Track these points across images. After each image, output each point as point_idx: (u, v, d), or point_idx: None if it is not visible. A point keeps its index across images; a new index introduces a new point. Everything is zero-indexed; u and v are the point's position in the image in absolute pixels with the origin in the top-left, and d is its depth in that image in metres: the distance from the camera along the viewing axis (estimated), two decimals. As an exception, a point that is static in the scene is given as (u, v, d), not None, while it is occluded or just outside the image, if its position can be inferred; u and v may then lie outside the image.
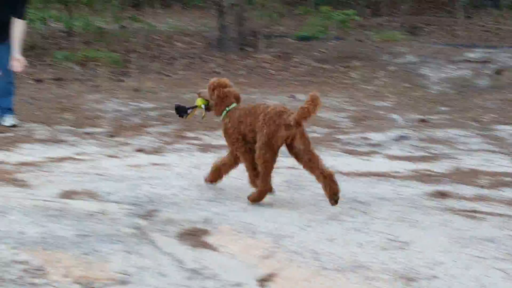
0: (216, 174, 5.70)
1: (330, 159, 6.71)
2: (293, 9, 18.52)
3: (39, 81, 11.10)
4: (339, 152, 7.22)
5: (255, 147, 5.28)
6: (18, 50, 7.91)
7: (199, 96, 5.92)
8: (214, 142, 7.44)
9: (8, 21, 7.84)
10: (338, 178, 5.15)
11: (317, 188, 5.27)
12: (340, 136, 7.98)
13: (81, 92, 10.32)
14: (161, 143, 7.45)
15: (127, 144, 7.38)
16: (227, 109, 5.62)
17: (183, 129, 8.05)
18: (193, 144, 7.38)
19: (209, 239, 4.53)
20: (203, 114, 5.95)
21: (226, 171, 5.68)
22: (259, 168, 5.27)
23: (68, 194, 5.39)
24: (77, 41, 13.61)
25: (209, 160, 6.62)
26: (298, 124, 5.08)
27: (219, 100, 5.64)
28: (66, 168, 6.28)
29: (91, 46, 13.35)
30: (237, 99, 5.70)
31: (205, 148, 7.17)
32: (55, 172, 6.12)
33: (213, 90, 5.70)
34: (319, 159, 5.19)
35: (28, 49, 12.92)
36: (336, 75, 12.19)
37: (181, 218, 4.88)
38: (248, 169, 5.46)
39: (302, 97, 9.93)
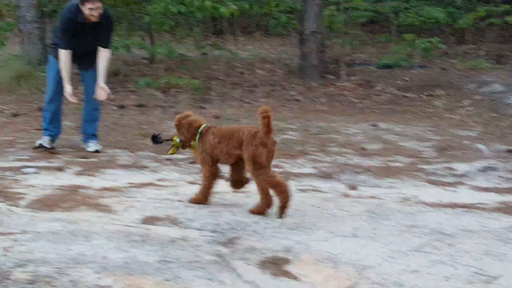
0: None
1: (413, 189, 6.60)
2: (375, 37, 18.43)
3: (122, 107, 11.25)
4: (423, 182, 7.08)
5: (250, 173, 5.74)
6: (102, 78, 8.03)
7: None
8: (295, 170, 7.39)
9: (93, 49, 7.99)
10: (421, 209, 5.06)
11: (401, 218, 5.18)
12: (424, 166, 7.82)
13: (163, 118, 10.40)
14: (242, 170, 7.43)
15: (208, 171, 7.38)
16: (199, 131, 6.02)
17: (264, 157, 8.01)
18: (273, 171, 7.33)
19: (291, 268, 4.48)
20: (173, 150, 6.36)
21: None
22: (260, 188, 5.66)
23: (150, 220, 5.41)
24: (159, 68, 13.77)
25: (291, 188, 6.58)
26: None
27: (186, 130, 6.06)
28: (148, 194, 6.31)
29: (173, 73, 13.49)
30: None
31: (286, 176, 7.11)
32: (137, 197, 6.15)
33: (178, 125, 6.13)
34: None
35: (112, 76, 13.14)
36: (419, 104, 12.03)
37: (262, 246, 4.84)
38: (206, 188, 5.94)
39: (384, 126, 9.85)
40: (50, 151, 8.07)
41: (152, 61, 14.91)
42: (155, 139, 6.56)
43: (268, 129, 5.71)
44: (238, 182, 6.14)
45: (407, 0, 16.64)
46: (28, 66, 12.02)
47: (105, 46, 8.07)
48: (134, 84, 12.53)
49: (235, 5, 11.61)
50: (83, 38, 7.95)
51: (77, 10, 7.75)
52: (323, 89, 12.94)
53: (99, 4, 7.74)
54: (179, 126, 6.14)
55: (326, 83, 13.35)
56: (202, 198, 5.99)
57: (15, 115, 10.50)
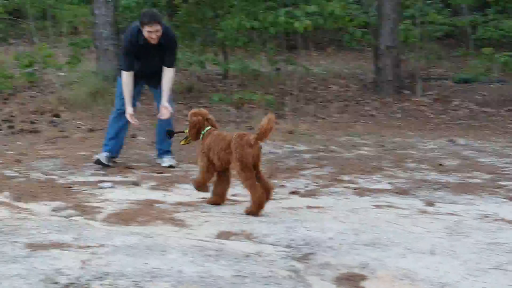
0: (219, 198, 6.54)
1: (493, 206, 6.46)
2: (451, 51, 18.21)
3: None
4: (503, 199, 6.90)
5: (237, 174, 6.18)
6: (166, 98, 8.08)
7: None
8: (371, 186, 7.31)
9: (160, 68, 8.05)
10: (502, 226, 4.94)
11: (480, 236, 5.06)
12: (504, 183, 7.62)
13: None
14: (316, 185, 7.38)
15: (282, 186, 7.36)
16: (202, 132, 6.61)
17: (339, 172, 7.95)
18: (348, 187, 7.27)
19: (367, 285, 4.42)
20: (185, 141, 6.94)
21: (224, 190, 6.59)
22: (245, 186, 6.14)
23: (224, 235, 5.40)
24: (233, 83, 13.82)
25: (366, 204, 6.51)
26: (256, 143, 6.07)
27: (191, 126, 6.63)
28: (222, 209, 6.31)
29: (246, 88, 13.53)
30: (212, 125, 6.67)
31: (361, 192, 7.04)
32: (212, 212, 6.16)
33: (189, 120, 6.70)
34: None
35: (185, 92, 13.29)
36: (498, 119, 11.82)
37: (337, 262, 4.79)
38: (203, 182, 6.52)
39: (462, 142, 9.69)
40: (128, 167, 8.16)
41: (225, 77, 15.00)
42: (169, 133, 7.52)
43: (262, 136, 6.06)
44: (219, 196, 6.56)
45: (485, 14, 16.38)
46: (103, 82, 12.20)
47: (169, 65, 8.12)
48: (208, 100, 12.62)
49: (309, 20, 11.58)
50: (148, 59, 8.04)
51: (138, 32, 7.84)
52: (398, 104, 12.82)
53: (157, 27, 7.77)
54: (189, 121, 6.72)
55: (401, 98, 13.23)
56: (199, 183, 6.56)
57: (91, 130, 10.67)
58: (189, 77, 14.25)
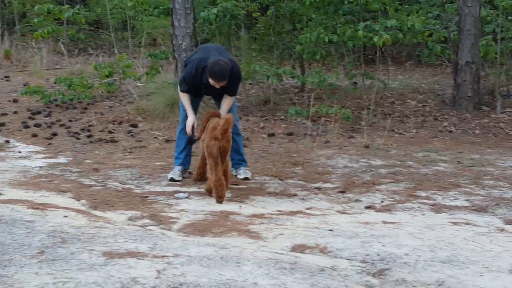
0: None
1: None
2: (532, 68, 17.89)
3: (271, 135, 11.35)
4: None
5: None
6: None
7: None
8: (448, 202, 7.21)
9: (222, 94, 8.15)
10: None
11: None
12: None
13: (311, 147, 10.41)
14: (391, 201, 7.32)
15: (357, 200, 7.33)
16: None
17: (415, 188, 7.87)
18: (425, 203, 7.19)
19: (443, 303, 4.36)
20: None
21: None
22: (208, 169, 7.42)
23: (299, 248, 5.40)
24: (309, 96, 13.81)
25: (443, 220, 6.43)
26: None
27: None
28: (297, 222, 6.31)
29: (323, 102, 13.51)
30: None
31: (438, 208, 6.95)
32: (287, 225, 6.16)
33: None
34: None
35: (262, 104, 13.34)
36: None
37: (413, 279, 4.74)
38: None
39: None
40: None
41: (302, 90, 15.00)
42: (191, 140, 8.20)
43: (224, 134, 7.23)
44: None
45: None
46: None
47: (232, 95, 8.16)
48: (284, 113, 12.64)
49: (388, 34, 11.51)
50: (209, 91, 8.14)
51: (203, 72, 7.85)
52: (477, 120, 12.63)
53: (223, 83, 7.81)
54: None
55: (480, 114, 13.03)
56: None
57: (167, 141, 10.78)
58: (266, 89, 14.30)
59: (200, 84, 7.95)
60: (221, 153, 7.29)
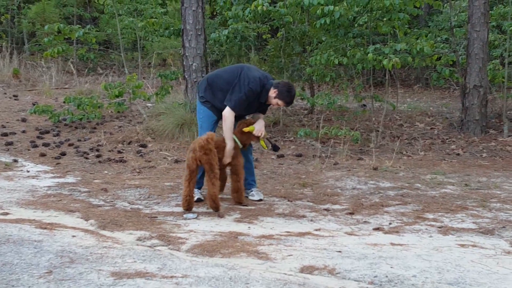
0: None
1: None
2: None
3: (281, 156, 11.39)
4: None
5: None
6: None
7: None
8: (455, 224, 7.22)
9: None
10: None
11: None
12: None
13: (320, 168, 10.44)
14: (399, 223, 7.33)
15: (365, 222, 7.34)
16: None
17: (423, 210, 7.89)
18: (432, 225, 7.19)
19: (451, 326, 4.37)
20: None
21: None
22: None
23: (308, 269, 5.41)
24: (319, 118, 13.87)
25: (450, 243, 6.44)
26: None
27: None
28: (305, 243, 6.32)
29: (332, 123, 13.57)
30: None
31: (445, 230, 6.96)
32: (295, 246, 6.18)
33: None
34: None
35: (272, 125, 13.39)
36: None
37: (421, 302, 4.75)
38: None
39: (550, 183, 9.50)
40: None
41: (311, 112, 15.06)
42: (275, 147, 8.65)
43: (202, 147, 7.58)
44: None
45: None
46: (191, 114, 12.39)
47: (264, 113, 8.52)
48: (293, 134, 12.68)
49: (397, 57, 11.57)
50: (251, 110, 8.23)
51: (263, 90, 7.96)
52: (484, 143, 12.65)
53: (287, 105, 8.18)
54: None
55: (487, 137, 13.06)
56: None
57: (177, 161, 10.83)
58: (276, 111, 14.35)
59: (254, 103, 8.07)
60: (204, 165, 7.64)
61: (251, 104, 8.04)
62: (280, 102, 7.97)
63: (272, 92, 7.92)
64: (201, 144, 7.51)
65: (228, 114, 7.94)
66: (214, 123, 8.27)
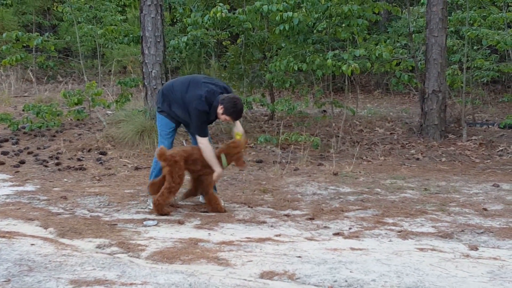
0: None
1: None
2: (497, 97, 18.16)
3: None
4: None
5: None
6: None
7: None
8: (414, 229, 7.27)
9: None
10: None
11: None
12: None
13: (281, 174, 10.47)
14: (359, 227, 7.36)
15: (325, 227, 7.36)
16: None
17: (383, 215, 7.93)
18: (392, 230, 7.24)
19: (409, 329, 4.39)
20: None
21: None
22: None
23: (268, 275, 5.42)
24: (279, 124, 13.90)
25: (409, 247, 6.49)
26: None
27: None
28: (266, 249, 6.33)
29: (292, 129, 13.61)
30: None
31: (405, 235, 7.00)
32: (255, 252, 6.18)
33: None
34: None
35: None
36: (546, 165, 11.71)
37: (380, 305, 4.78)
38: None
39: (507, 187, 9.61)
40: (172, 206, 8.26)
41: (271, 118, 15.09)
42: None
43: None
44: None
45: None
46: (151, 121, 12.36)
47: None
48: (254, 140, 12.69)
49: (357, 63, 11.64)
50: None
51: (213, 108, 7.94)
52: (443, 148, 12.78)
53: (236, 119, 8.17)
54: None
55: (447, 142, 13.19)
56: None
57: (137, 168, 10.78)
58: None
59: (206, 121, 8.08)
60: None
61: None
62: (227, 117, 7.96)
63: (219, 109, 7.90)
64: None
65: (203, 143, 7.97)
66: (172, 130, 8.28)
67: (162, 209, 7.80)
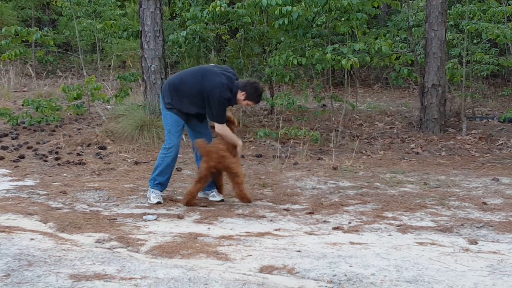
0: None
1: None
2: (497, 91, 18.15)
3: (241, 157, 11.37)
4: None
5: None
6: None
7: None
8: (414, 223, 7.27)
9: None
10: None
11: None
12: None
13: (280, 169, 10.46)
14: (359, 222, 7.36)
15: (325, 221, 7.36)
16: None
17: (382, 209, 7.93)
18: (391, 224, 7.23)
19: (409, 323, 4.39)
20: None
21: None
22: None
23: (267, 269, 5.41)
24: (278, 119, 13.89)
25: (409, 241, 6.49)
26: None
27: None
28: (265, 243, 6.33)
29: (292, 124, 13.60)
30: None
31: (404, 229, 7.00)
32: (255, 247, 6.18)
33: None
34: None
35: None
36: (544, 159, 11.70)
37: (379, 299, 4.78)
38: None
39: (507, 181, 9.61)
40: (172, 200, 8.27)
41: (271, 112, 15.08)
42: None
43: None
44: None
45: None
46: (150, 115, 12.35)
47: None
48: (253, 135, 12.68)
49: (356, 57, 11.63)
50: None
51: (233, 94, 7.98)
52: (443, 142, 12.77)
53: (257, 103, 8.33)
54: None
55: (446, 136, 13.18)
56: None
57: (136, 163, 10.78)
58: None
59: (226, 108, 8.13)
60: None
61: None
62: (250, 102, 8.08)
63: (241, 95, 7.94)
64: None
65: (220, 129, 8.03)
66: (181, 128, 8.26)
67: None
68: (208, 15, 12.73)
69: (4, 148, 11.65)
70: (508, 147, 12.48)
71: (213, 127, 8.17)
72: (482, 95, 17.52)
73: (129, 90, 14.36)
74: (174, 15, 18.55)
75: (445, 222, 7.31)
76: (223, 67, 8.32)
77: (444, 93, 13.62)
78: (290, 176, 9.92)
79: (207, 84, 7.91)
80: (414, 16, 17.23)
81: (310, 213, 7.74)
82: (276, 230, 6.91)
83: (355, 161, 11.15)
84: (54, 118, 13.38)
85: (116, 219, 7.27)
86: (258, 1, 12.17)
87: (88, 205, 7.99)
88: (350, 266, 5.54)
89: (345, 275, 5.27)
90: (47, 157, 11.11)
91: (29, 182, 9.35)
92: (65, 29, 21.60)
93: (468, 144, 12.64)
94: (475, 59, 15.29)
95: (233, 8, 13.11)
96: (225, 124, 8.01)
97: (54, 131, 13.04)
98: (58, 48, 21.87)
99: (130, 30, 14.37)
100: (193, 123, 8.33)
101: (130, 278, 5.01)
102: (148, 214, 7.52)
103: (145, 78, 12.92)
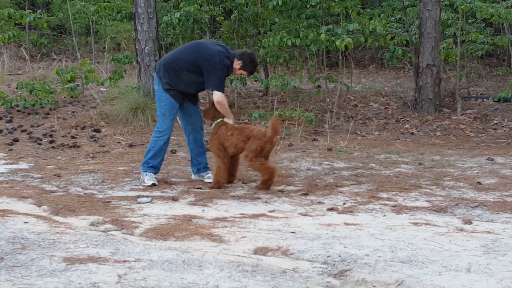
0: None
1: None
2: (492, 70, 18.14)
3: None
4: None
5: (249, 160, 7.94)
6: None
7: None
8: (408, 203, 7.27)
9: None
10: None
11: (518, 255, 5.01)
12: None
13: (275, 150, 10.45)
14: (353, 202, 7.36)
15: (320, 203, 7.35)
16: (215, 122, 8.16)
17: (377, 190, 7.93)
18: (386, 204, 7.24)
19: (403, 303, 4.40)
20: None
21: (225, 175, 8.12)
22: (257, 170, 8.04)
23: (261, 251, 5.41)
24: (273, 100, 13.87)
25: (403, 221, 6.49)
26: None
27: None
28: (259, 225, 6.32)
29: (287, 105, 13.58)
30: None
31: (399, 209, 7.00)
32: (249, 228, 6.18)
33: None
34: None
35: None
36: (539, 138, 11.71)
37: (373, 279, 4.77)
38: (224, 172, 8.06)
39: (501, 160, 9.62)
40: (167, 183, 8.26)
41: (266, 93, 15.05)
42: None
43: (275, 133, 7.85)
44: (230, 175, 8.23)
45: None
46: (144, 98, 12.32)
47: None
48: (248, 116, 12.67)
49: (350, 38, 11.60)
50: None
51: (231, 64, 7.96)
52: (438, 122, 12.77)
53: (251, 74, 8.42)
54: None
55: (441, 116, 13.18)
56: (216, 182, 8.04)
57: (131, 145, 10.77)
58: (230, 93, 14.32)
59: (226, 76, 8.12)
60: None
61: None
62: (244, 72, 8.09)
63: (237, 64, 7.95)
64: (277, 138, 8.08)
65: (220, 97, 7.91)
66: (176, 111, 8.23)
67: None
68: (202, -4, 12.68)
69: (-2, 131, 11.63)
70: (503, 126, 12.49)
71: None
72: (477, 74, 17.53)
73: (124, 72, 14.33)
74: (168, -4, 18.48)
75: (440, 202, 7.31)
76: (214, 41, 8.35)
77: (439, 73, 13.61)
78: (285, 158, 9.92)
79: (205, 52, 7.90)
80: (408, -4, 17.17)
81: (304, 194, 7.74)
82: (270, 211, 6.91)
83: (350, 142, 11.15)
84: (48, 101, 13.33)
85: (111, 201, 7.27)
86: (252, -18, 12.13)
87: (83, 188, 7.98)
88: (344, 247, 5.54)
89: (340, 256, 5.27)
90: (41, 140, 11.09)
91: (23, 165, 9.34)
92: (59, 12, 21.54)
93: (463, 124, 12.65)
94: (470, 38, 15.27)
95: (227, -11, 13.06)
96: (224, 95, 7.94)
97: (48, 114, 13.01)
98: (52, 31, 21.78)
99: (124, 12, 14.32)
100: (186, 105, 8.31)
101: (124, 261, 5.01)
102: (143, 196, 7.51)
103: (139, 60, 12.89)
